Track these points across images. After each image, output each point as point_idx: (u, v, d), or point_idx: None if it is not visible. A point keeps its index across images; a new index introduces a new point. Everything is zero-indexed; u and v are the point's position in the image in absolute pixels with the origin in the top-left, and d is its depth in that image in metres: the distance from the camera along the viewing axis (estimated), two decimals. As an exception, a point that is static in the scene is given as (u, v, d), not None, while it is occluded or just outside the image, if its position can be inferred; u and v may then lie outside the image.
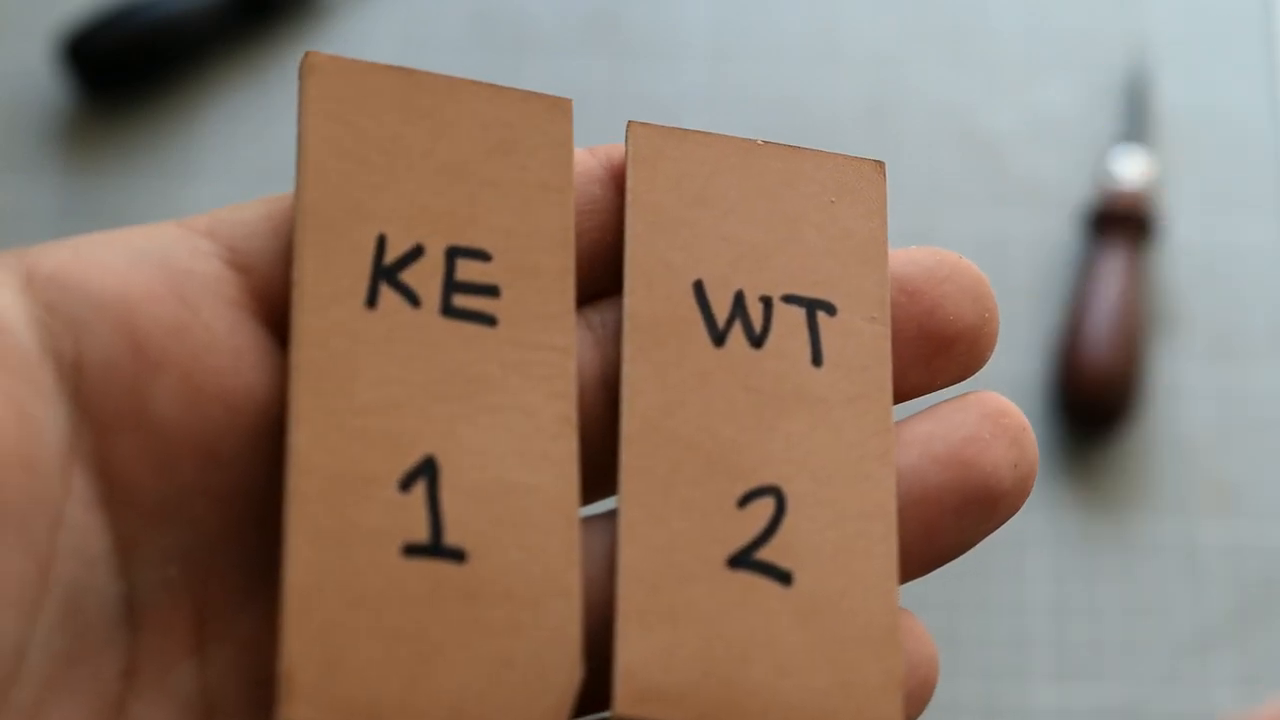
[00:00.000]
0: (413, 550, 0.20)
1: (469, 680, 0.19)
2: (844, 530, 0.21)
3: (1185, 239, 0.54)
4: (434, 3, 0.57)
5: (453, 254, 0.21)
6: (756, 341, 0.22)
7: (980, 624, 0.48)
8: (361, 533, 0.20)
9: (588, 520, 0.21)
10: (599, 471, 0.21)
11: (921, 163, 0.55)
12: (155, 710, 0.20)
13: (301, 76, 0.21)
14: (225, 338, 0.20)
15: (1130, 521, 0.50)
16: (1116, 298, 0.51)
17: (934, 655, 0.21)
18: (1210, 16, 0.58)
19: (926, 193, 0.54)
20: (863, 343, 0.22)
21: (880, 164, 0.23)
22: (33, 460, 0.18)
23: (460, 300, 0.21)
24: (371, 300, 0.20)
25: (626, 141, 0.22)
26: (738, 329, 0.22)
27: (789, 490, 0.21)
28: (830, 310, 0.22)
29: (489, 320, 0.21)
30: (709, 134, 0.23)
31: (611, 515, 0.21)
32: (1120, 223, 0.52)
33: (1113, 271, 0.51)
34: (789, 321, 0.22)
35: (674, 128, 0.22)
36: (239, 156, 0.54)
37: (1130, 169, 0.53)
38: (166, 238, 0.20)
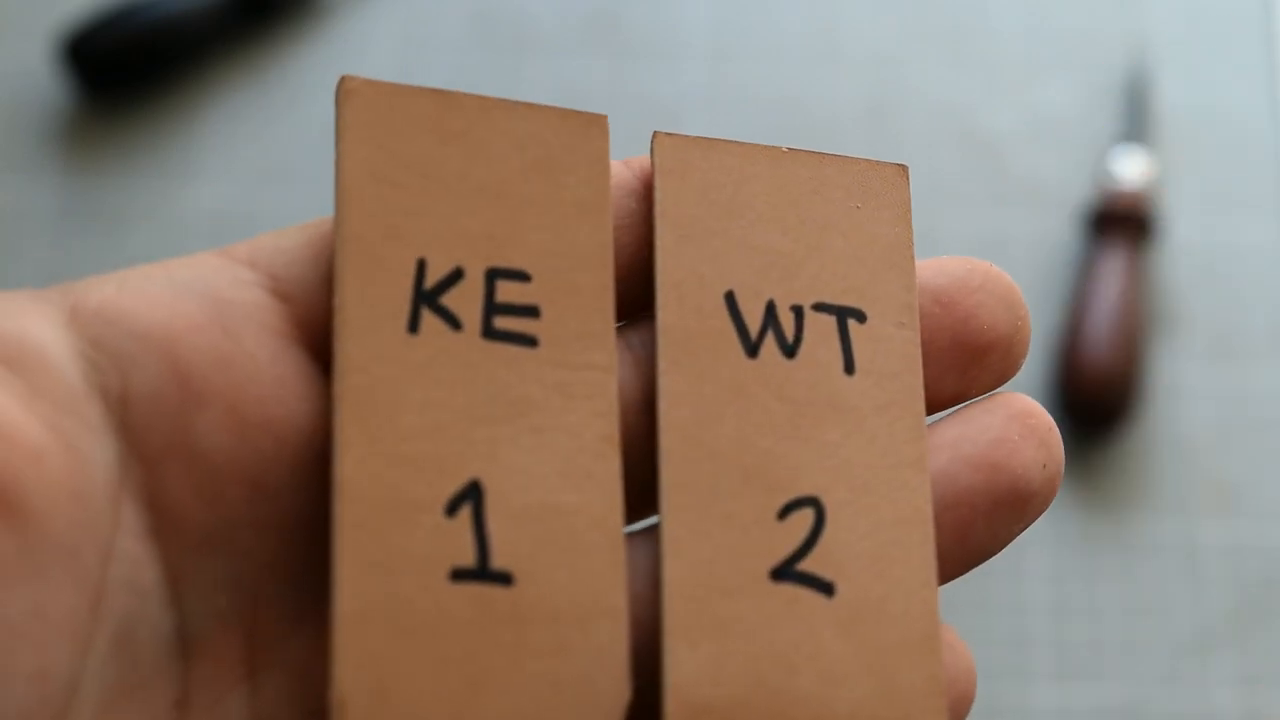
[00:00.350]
0: (460, 574, 0.20)
1: (518, 703, 0.19)
2: (882, 538, 0.21)
3: (1185, 239, 0.54)
4: (434, 3, 0.57)
5: (492, 275, 0.21)
6: (789, 351, 0.22)
7: (980, 624, 0.48)
8: (409, 559, 0.20)
9: (631, 537, 0.21)
10: (644, 490, 0.21)
11: (921, 163, 0.55)
12: None
13: (338, 102, 0.21)
14: (269, 367, 0.20)
15: (1130, 521, 0.50)
16: (1116, 298, 0.51)
17: (971, 668, 0.21)
18: (1210, 16, 0.58)
19: (926, 193, 0.54)
20: (893, 349, 0.22)
21: (903, 168, 0.23)
22: (82, 493, 0.19)
23: (501, 322, 0.21)
24: (413, 325, 0.21)
25: (651, 152, 0.22)
26: (770, 339, 0.22)
27: (827, 500, 0.21)
28: (860, 317, 0.22)
29: (530, 341, 0.21)
30: (734, 142, 0.23)
31: (654, 530, 0.21)
32: (1120, 223, 0.52)
33: (1113, 271, 0.51)
34: (820, 330, 0.22)
35: (700, 137, 0.22)
36: (239, 156, 0.54)
37: (1130, 169, 0.53)
38: (208, 268, 0.21)
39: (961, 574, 0.22)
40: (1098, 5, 0.58)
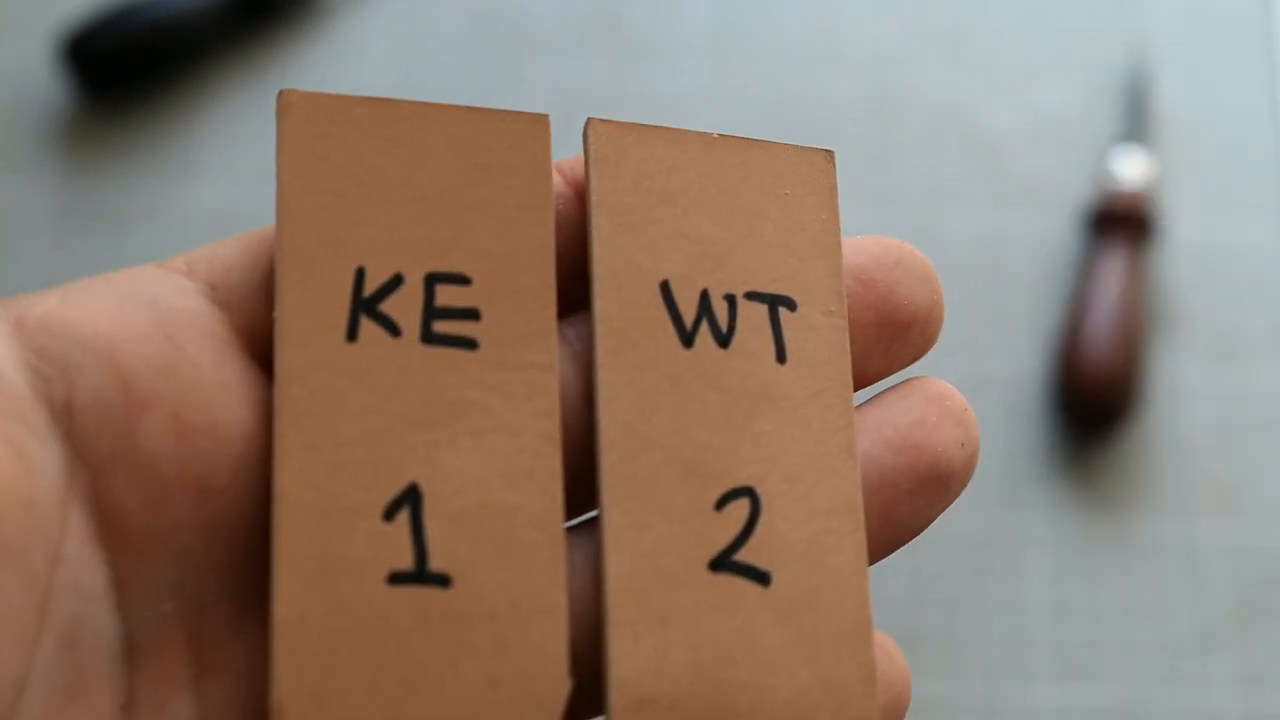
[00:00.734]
0: (398, 578, 0.20)
1: (457, 703, 0.20)
2: (815, 527, 0.22)
3: (1185, 239, 0.54)
4: (434, 3, 0.57)
5: (432, 280, 0.21)
6: (723, 341, 0.22)
7: (980, 624, 0.48)
8: (346, 564, 0.20)
9: (570, 532, 0.22)
10: (587, 484, 0.22)
11: (921, 163, 0.55)
12: None
13: (277, 116, 0.22)
14: (211, 373, 0.20)
15: (1130, 521, 0.50)
16: (1116, 298, 0.51)
17: (905, 671, 0.22)
18: (1210, 16, 0.58)
19: (926, 193, 0.54)
20: (822, 337, 0.23)
21: (829, 154, 0.24)
22: (30, 499, 0.19)
23: (440, 326, 0.21)
24: (352, 333, 0.21)
25: (585, 139, 0.22)
26: (705, 329, 0.22)
27: (762, 490, 0.22)
28: (791, 306, 0.23)
29: (469, 344, 0.21)
30: (667, 129, 0.23)
31: (591, 524, 0.22)
32: (1120, 223, 0.52)
33: (1113, 271, 0.51)
34: (752, 319, 0.22)
35: (633, 124, 0.23)
36: (239, 156, 0.54)
37: (1130, 169, 0.53)
38: (149, 278, 0.21)
39: (886, 555, 0.22)
40: (1098, 5, 0.58)
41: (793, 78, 0.56)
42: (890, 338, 0.23)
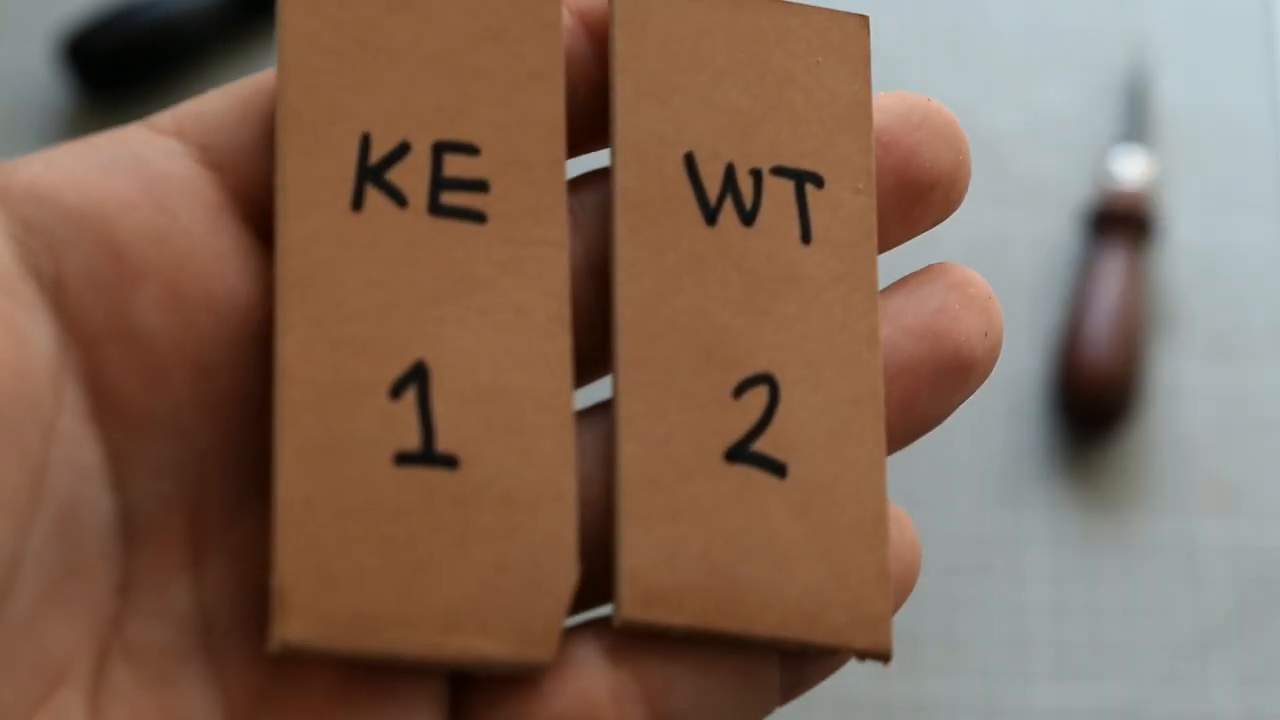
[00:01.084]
0: (404, 458, 0.19)
1: (464, 587, 0.19)
2: (835, 417, 0.21)
3: (1185, 239, 0.54)
4: (434, 3, 0.57)
5: (440, 149, 0.20)
6: (748, 219, 0.21)
7: (980, 624, 0.48)
8: (352, 443, 0.19)
9: (580, 415, 0.21)
10: (586, 360, 0.21)
11: (921, 163, 0.55)
12: (152, 627, 0.19)
13: None
14: (206, 241, 0.19)
15: (1130, 521, 0.50)
16: (1116, 298, 0.51)
17: (916, 543, 0.21)
18: (1210, 16, 0.58)
19: (926, 193, 0.54)
20: (849, 216, 0.22)
21: (864, 19, 0.23)
22: (23, 372, 0.18)
23: (448, 198, 0.20)
24: (357, 203, 0.20)
25: (611, 1, 0.21)
26: (729, 206, 0.21)
27: (781, 378, 0.21)
28: (818, 182, 0.22)
29: (478, 217, 0.20)
30: None
31: (603, 409, 0.21)
32: (1120, 223, 0.52)
33: (1113, 271, 0.51)
34: (778, 196, 0.21)
35: None
36: (239, 156, 0.54)
37: (1130, 169, 0.53)
38: (137, 141, 0.20)
39: (904, 446, 0.22)
40: (1098, 5, 0.58)
41: (793, 78, 0.56)
42: (911, 202, 0.22)
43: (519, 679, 0.20)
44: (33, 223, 0.19)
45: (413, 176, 0.20)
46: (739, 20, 0.22)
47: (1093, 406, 0.50)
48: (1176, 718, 0.47)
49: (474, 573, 0.19)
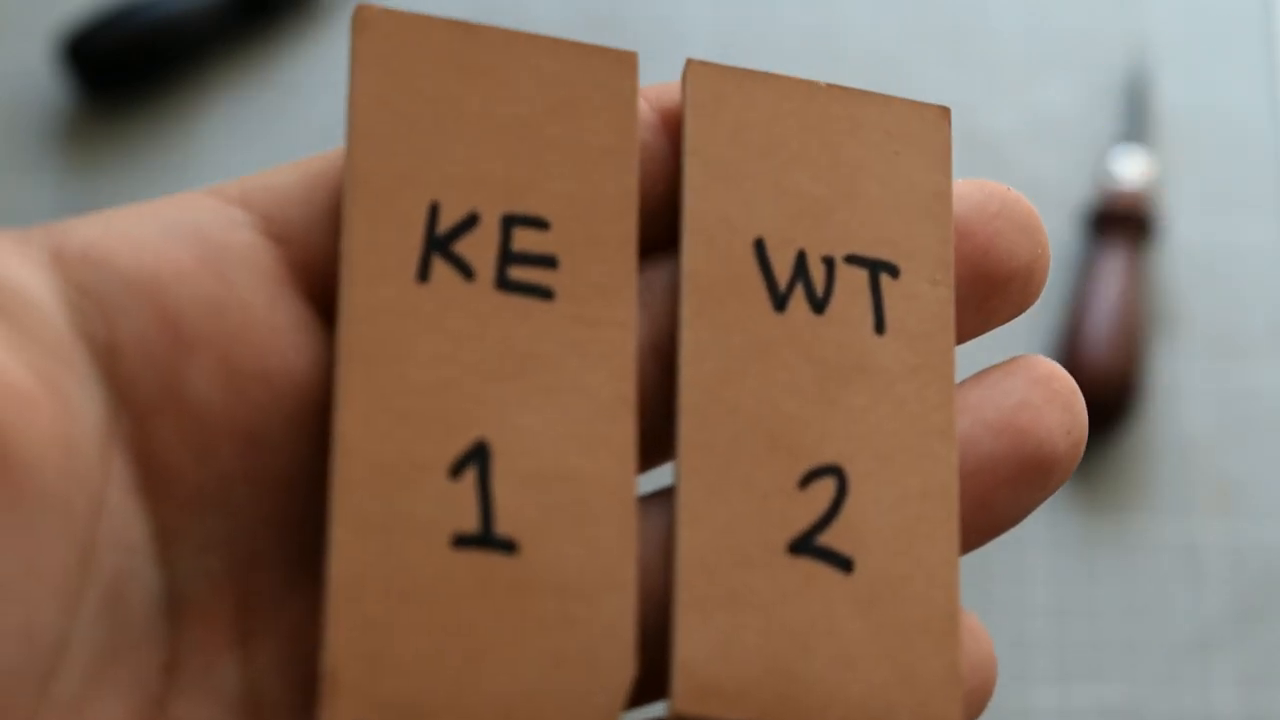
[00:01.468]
0: (462, 541, 0.19)
1: (519, 678, 0.19)
2: (906, 513, 0.20)
3: (1185, 239, 0.54)
4: (434, 3, 0.57)
5: (509, 222, 0.20)
6: (819, 306, 0.21)
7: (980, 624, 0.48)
8: (409, 522, 0.19)
9: (643, 500, 0.20)
10: (651, 442, 0.20)
11: (921, 163, 0.55)
12: (198, 707, 0.19)
13: (353, 33, 0.20)
14: (264, 314, 0.19)
15: (1130, 521, 0.50)
16: (1116, 298, 0.51)
17: (991, 656, 0.21)
18: (1210, 16, 0.58)
19: (926, 193, 0.54)
20: (926, 307, 0.21)
21: (945, 110, 0.22)
22: (73, 443, 0.18)
23: (516, 272, 0.20)
24: (423, 274, 0.19)
25: (684, 83, 0.21)
26: (799, 292, 0.21)
27: (850, 470, 0.20)
28: (894, 272, 0.21)
29: (546, 293, 0.20)
30: (770, 74, 0.21)
31: (664, 495, 0.21)
32: (1120, 223, 0.52)
33: (1113, 271, 0.51)
34: (851, 284, 0.21)
35: (734, 68, 0.21)
36: (239, 156, 0.54)
37: (1130, 169, 0.53)
38: (199, 208, 0.19)
39: (980, 545, 0.21)
40: (1098, 5, 0.58)
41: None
42: (986, 294, 0.21)
43: None
44: (88, 287, 0.19)
45: (481, 249, 0.20)
46: (814, 107, 0.21)
47: (1093, 406, 0.50)
48: (1176, 718, 0.47)
49: (529, 664, 0.19)
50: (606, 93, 0.21)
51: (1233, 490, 0.50)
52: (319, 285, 0.20)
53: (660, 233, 0.21)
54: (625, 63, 0.21)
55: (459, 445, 0.19)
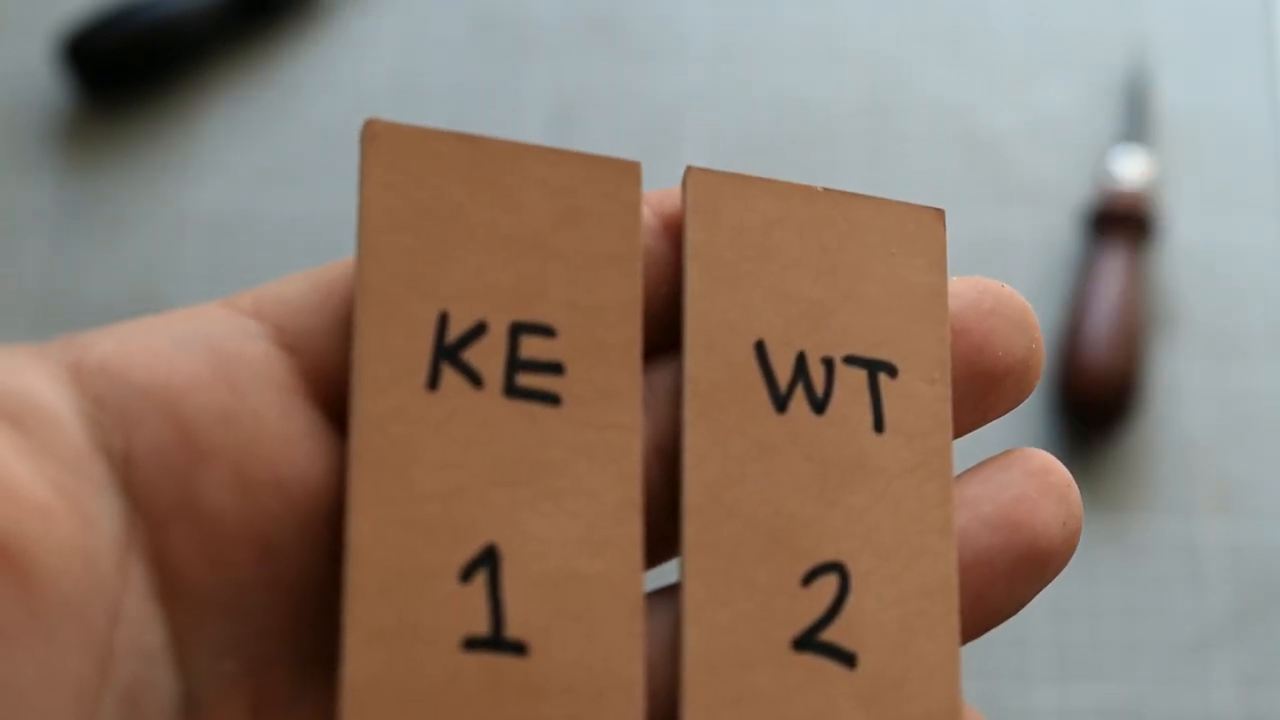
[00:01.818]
0: (473, 644, 0.19)
1: None
2: (906, 609, 0.21)
3: (1185, 239, 0.54)
4: (434, 3, 0.57)
5: (516, 330, 0.20)
6: (819, 407, 0.21)
7: (980, 624, 0.48)
8: (420, 627, 0.19)
9: (650, 598, 0.21)
10: (658, 540, 0.21)
11: (921, 163, 0.55)
12: None
13: (362, 146, 0.20)
14: (276, 424, 0.20)
15: (1130, 521, 0.50)
16: (1116, 298, 0.51)
17: None
18: (1210, 16, 0.58)
19: (926, 193, 0.54)
20: (924, 406, 0.22)
21: (940, 212, 0.23)
22: (90, 554, 0.18)
23: (524, 379, 0.20)
24: (433, 382, 0.20)
25: (684, 189, 0.22)
26: (800, 393, 0.21)
27: (852, 567, 0.21)
28: (891, 372, 0.22)
29: (553, 399, 0.20)
30: (769, 181, 0.22)
31: (670, 592, 0.21)
32: (1120, 223, 0.52)
33: (1113, 271, 0.51)
34: (850, 385, 0.21)
35: (733, 174, 0.22)
36: (239, 156, 0.54)
37: (1130, 169, 0.53)
38: (213, 320, 0.20)
39: (977, 637, 0.22)
40: (1098, 5, 0.58)
41: (793, 77, 0.56)
42: (983, 390, 0.22)
43: None
44: (104, 399, 0.19)
45: (489, 357, 0.20)
46: (812, 211, 0.22)
47: (1093, 406, 0.50)
48: (1176, 718, 0.47)
49: None
50: (611, 201, 0.21)
51: (1233, 490, 0.50)
52: (331, 393, 0.20)
53: (664, 334, 0.21)
54: (629, 172, 0.21)
55: (469, 550, 0.19)
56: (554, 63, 0.56)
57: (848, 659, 0.20)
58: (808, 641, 0.20)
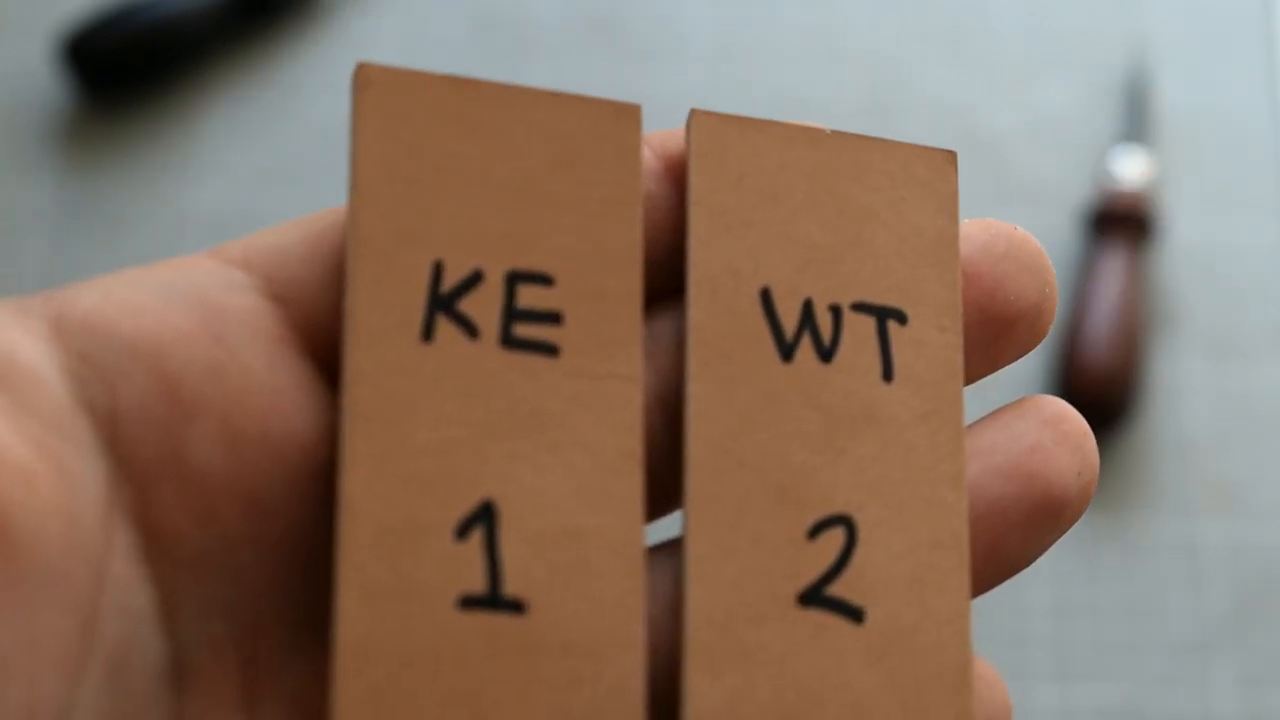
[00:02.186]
0: (469, 602, 0.19)
1: None
2: (916, 561, 0.20)
3: (1185, 239, 0.54)
4: (434, 3, 0.57)
5: (513, 279, 0.20)
6: (826, 355, 0.21)
7: (980, 624, 0.48)
8: (415, 585, 0.19)
9: (651, 553, 0.20)
10: (659, 494, 0.20)
11: (921, 163, 0.55)
12: None
13: (354, 92, 0.20)
14: (265, 377, 0.19)
15: (1130, 521, 0.50)
16: (1116, 298, 0.51)
17: (1006, 702, 0.20)
18: (1210, 16, 0.58)
19: (926, 193, 0.54)
20: (934, 354, 0.21)
21: (951, 154, 0.22)
22: (73, 516, 0.18)
23: (521, 329, 0.20)
24: (427, 333, 0.19)
25: (688, 132, 0.21)
26: (806, 342, 0.21)
27: (860, 519, 0.20)
28: (901, 319, 0.21)
29: (551, 350, 0.20)
30: (774, 123, 0.21)
31: (672, 547, 0.21)
32: (1120, 223, 0.52)
33: (1113, 271, 0.51)
34: (859, 332, 0.21)
35: (738, 116, 0.21)
36: (239, 156, 0.54)
37: (1130, 169, 0.53)
38: (199, 272, 0.19)
39: (990, 589, 0.21)
40: (1098, 5, 0.58)
41: (793, 77, 0.56)
42: (994, 336, 0.21)
43: None
44: (88, 355, 0.19)
45: (485, 307, 0.20)
46: (818, 155, 0.21)
47: (1093, 406, 0.50)
48: (1176, 718, 0.47)
49: None
50: (610, 145, 0.21)
51: (1232, 490, 0.50)
52: (321, 345, 0.20)
53: (667, 281, 0.21)
54: (628, 115, 0.21)
55: (465, 506, 0.19)
56: (554, 63, 0.56)
57: (855, 614, 0.20)
58: (814, 596, 0.20)
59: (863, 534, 0.20)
